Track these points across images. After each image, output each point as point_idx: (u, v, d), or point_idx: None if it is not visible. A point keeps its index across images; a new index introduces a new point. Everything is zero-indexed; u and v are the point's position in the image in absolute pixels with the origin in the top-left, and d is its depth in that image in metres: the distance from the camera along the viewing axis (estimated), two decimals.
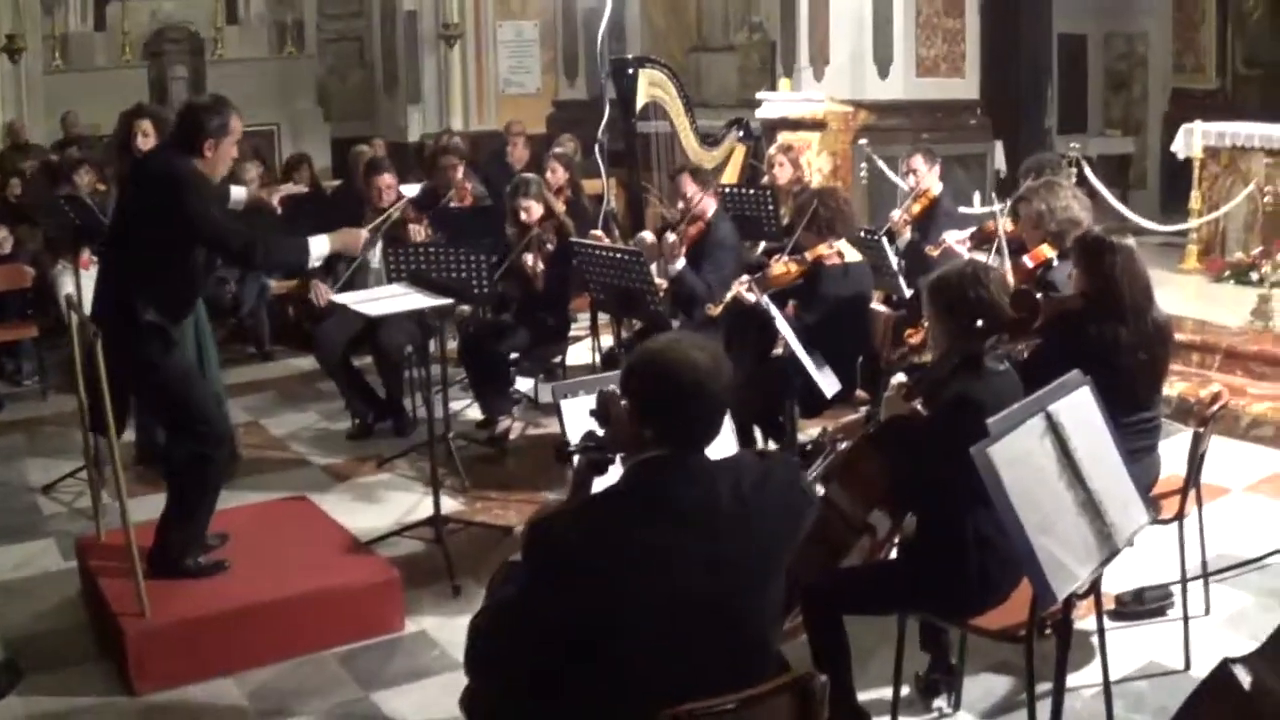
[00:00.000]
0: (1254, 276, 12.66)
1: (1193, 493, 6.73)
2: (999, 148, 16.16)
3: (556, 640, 3.80)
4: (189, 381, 7.01)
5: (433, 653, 6.69)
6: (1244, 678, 4.09)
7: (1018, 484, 4.29)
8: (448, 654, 6.59)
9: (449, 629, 6.80)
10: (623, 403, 4.06)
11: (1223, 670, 4.20)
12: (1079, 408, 4.79)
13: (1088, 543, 4.49)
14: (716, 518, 3.86)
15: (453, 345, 10.38)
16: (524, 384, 10.65)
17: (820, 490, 5.45)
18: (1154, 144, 19.20)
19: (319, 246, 7.13)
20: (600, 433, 4.22)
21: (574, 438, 4.46)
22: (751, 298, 8.46)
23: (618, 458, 4.18)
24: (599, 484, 4.24)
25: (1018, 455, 4.37)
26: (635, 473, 3.99)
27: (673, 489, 3.88)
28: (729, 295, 8.71)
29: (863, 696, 5.62)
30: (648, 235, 10.71)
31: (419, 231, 10.39)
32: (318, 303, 10.19)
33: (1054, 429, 4.58)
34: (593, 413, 4.24)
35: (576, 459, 4.28)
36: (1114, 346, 6.47)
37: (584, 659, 3.77)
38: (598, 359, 11.05)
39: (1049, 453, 4.53)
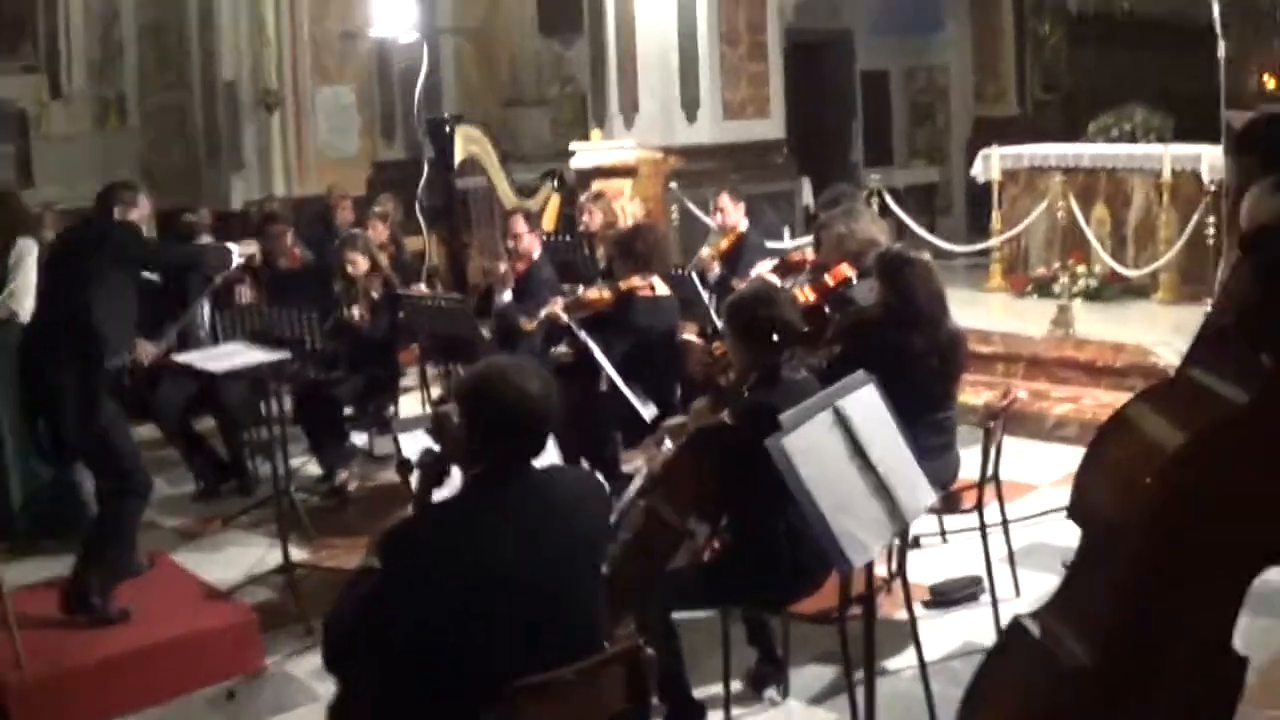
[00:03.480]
0: (1055, 289, 13.19)
1: (993, 486, 7.21)
2: (807, 184, 16.60)
3: (407, 632, 4.11)
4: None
5: (293, 687, 6.94)
6: (1033, 628, 4.49)
7: (811, 470, 4.69)
8: (306, 687, 6.86)
9: (306, 665, 7.05)
10: (457, 420, 4.42)
11: (1015, 626, 4.60)
12: (865, 403, 5.22)
13: (879, 519, 4.90)
14: (547, 519, 4.25)
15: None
16: (359, 437, 10.87)
17: (642, 502, 5.86)
18: (958, 171, 19.75)
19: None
20: (436, 448, 4.57)
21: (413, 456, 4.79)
22: (565, 319, 8.79)
23: (454, 470, 4.53)
24: (438, 495, 4.59)
25: (810, 445, 4.78)
26: (474, 482, 4.38)
27: (508, 495, 4.25)
28: (543, 313, 9.04)
29: (697, 693, 5.98)
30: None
31: (247, 294, 10.63)
32: (142, 362, 10.36)
33: (842, 421, 5.01)
34: (428, 430, 4.61)
35: (416, 472, 4.61)
36: (909, 352, 6.97)
37: (433, 650, 4.10)
38: (428, 409, 11.28)
39: (839, 442, 4.95)
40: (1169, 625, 4.22)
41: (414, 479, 4.67)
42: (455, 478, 4.55)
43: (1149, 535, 4.14)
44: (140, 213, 8.08)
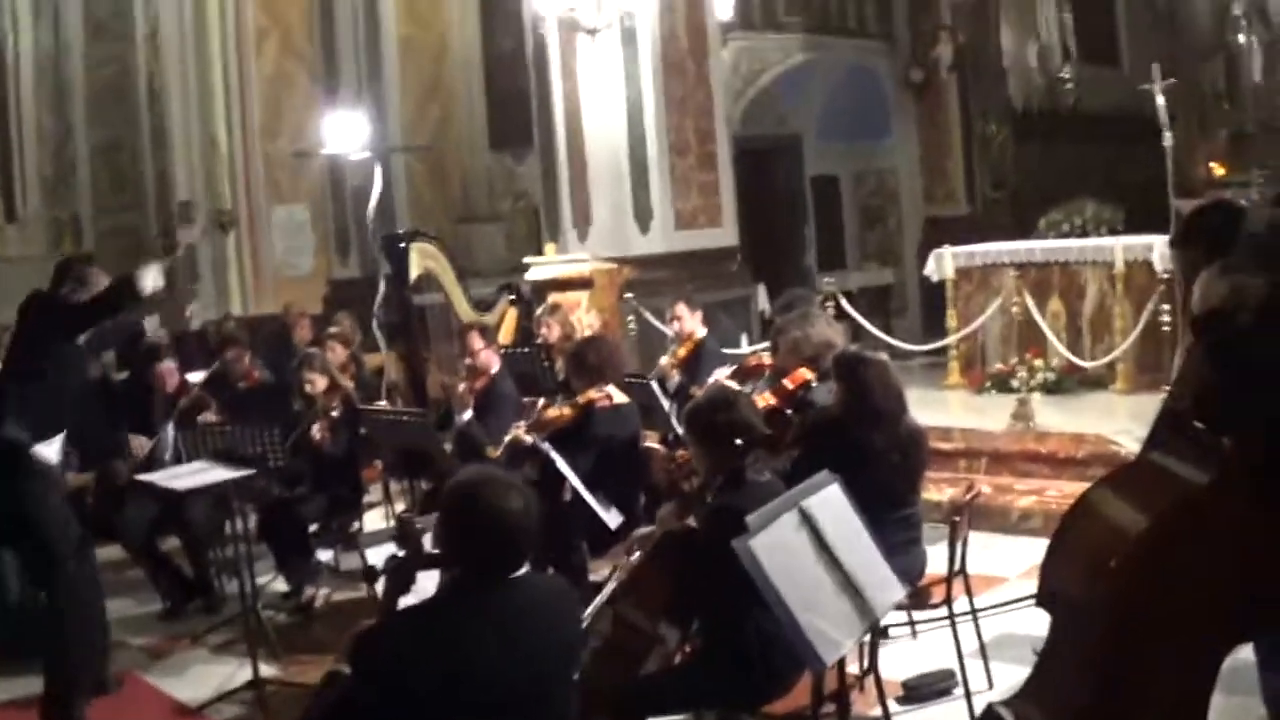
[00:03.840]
0: (1013, 384, 13.27)
1: (961, 580, 7.22)
2: (762, 290, 16.67)
3: None
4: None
5: None
6: (1007, 715, 4.50)
7: (779, 570, 4.72)
8: None
9: None
10: (434, 526, 4.44)
11: (990, 714, 4.61)
12: (830, 502, 5.26)
13: (849, 616, 4.92)
14: (523, 626, 4.24)
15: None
16: (324, 554, 10.83)
17: (612, 609, 5.85)
18: (911, 272, 19.89)
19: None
20: (401, 554, 4.56)
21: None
22: (529, 439, 8.80)
23: (420, 576, 4.52)
24: (404, 602, 4.56)
25: (776, 545, 4.81)
26: (450, 588, 4.42)
27: (484, 602, 4.25)
28: (507, 438, 9.05)
29: None
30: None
31: (209, 415, 10.64)
32: (119, 481, 10.34)
33: (808, 521, 5.04)
34: (394, 536, 4.61)
35: (382, 579, 4.60)
36: (870, 449, 7.02)
37: None
38: (392, 524, 11.25)
39: (805, 542, 4.98)
40: (1138, 705, 4.24)
41: (379, 586, 4.65)
42: (421, 585, 4.55)
43: (1115, 616, 4.18)
44: (90, 294, 8.10)
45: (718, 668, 5.76)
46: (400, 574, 4.54)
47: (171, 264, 9.18)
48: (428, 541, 4.57)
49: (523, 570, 4.42)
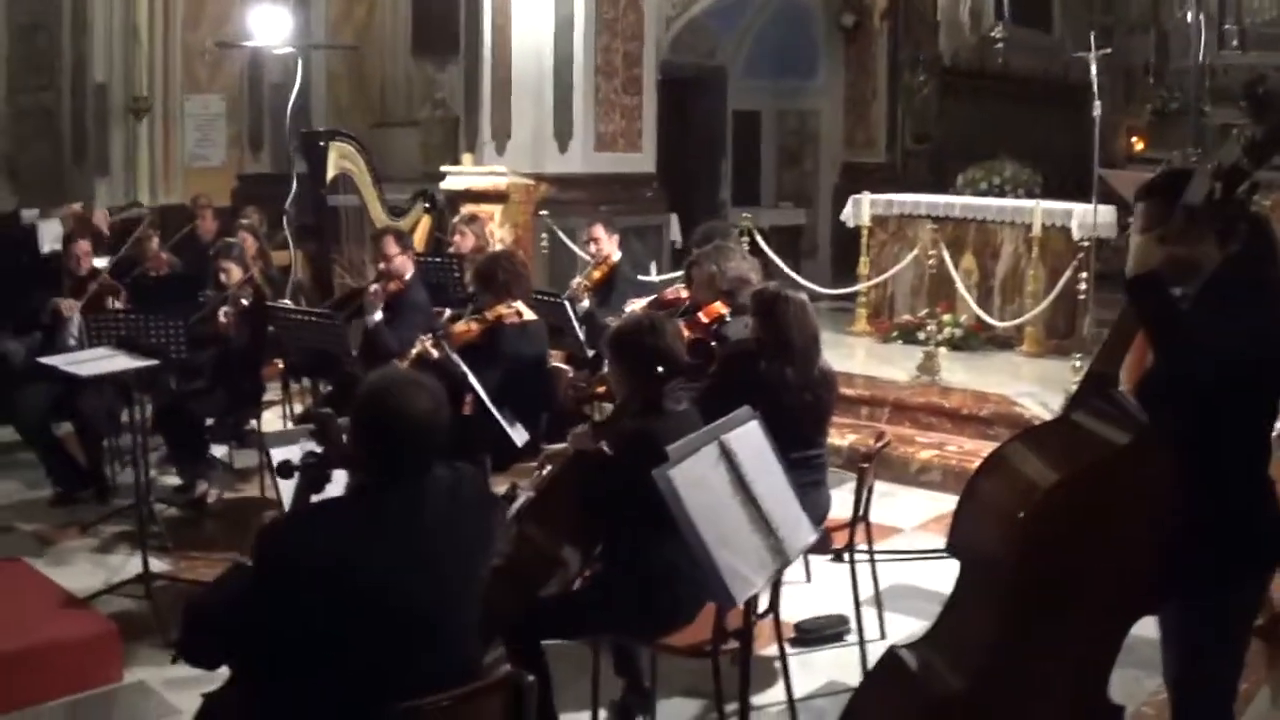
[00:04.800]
0: (920, 336, 13.30)
1: (862, 527, 7.22)
2: (674, 220, 16.64)
3: (273, 638, 4.01)
4: None
5: (151, 700, 6.78)
6: (910, 660, 4.48)
7: (697, 503, 4.63)
8: (165, 701, 6.70)
9: (163, 678, 6.88)
10: (343, 424, 4.34)
11: (891, 656, 4.60)
12: (749, 438, 5.18)
13: (761, 555, 4.85)
14: (425, 531, 4.16)
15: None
16: (219, 450, 10.69)
17: (516, 528, 5.77)
18: (825, 215, 19.99)
19: None
20: (319, 451, 4.45)
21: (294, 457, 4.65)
22: (436, 353, 8.68)
23: (335, 475, 4.42)
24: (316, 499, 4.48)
25: (695, 478, 4.72)
26: (356, 488, 4.31)
27: (388, 505, 4.16)
28: (414, 350, 8.93)
29: None
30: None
31: (116, 300, 10.46)
32: (14, 361, 10.15)
33: (727, 456, 4.96)
34: (312, 432, 4.50)
35: (297, 475, 4.49)
36: (782, 385, 6.98)
37: (299, 658, 3.99)
38: (290, 425, 11.12)
39: (723, 477, 4.90)
40: (1042, 661, 4.25)
41: (291, 482, 4.54)
42: (336, 483, 4.44)
43: (1022, 570, 4.18)
44: None
45: (619, 596, 5.71)
46: (315, 471, 4.44)
47: None
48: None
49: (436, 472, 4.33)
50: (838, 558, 7.84)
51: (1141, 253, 4.39)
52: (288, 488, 4.65)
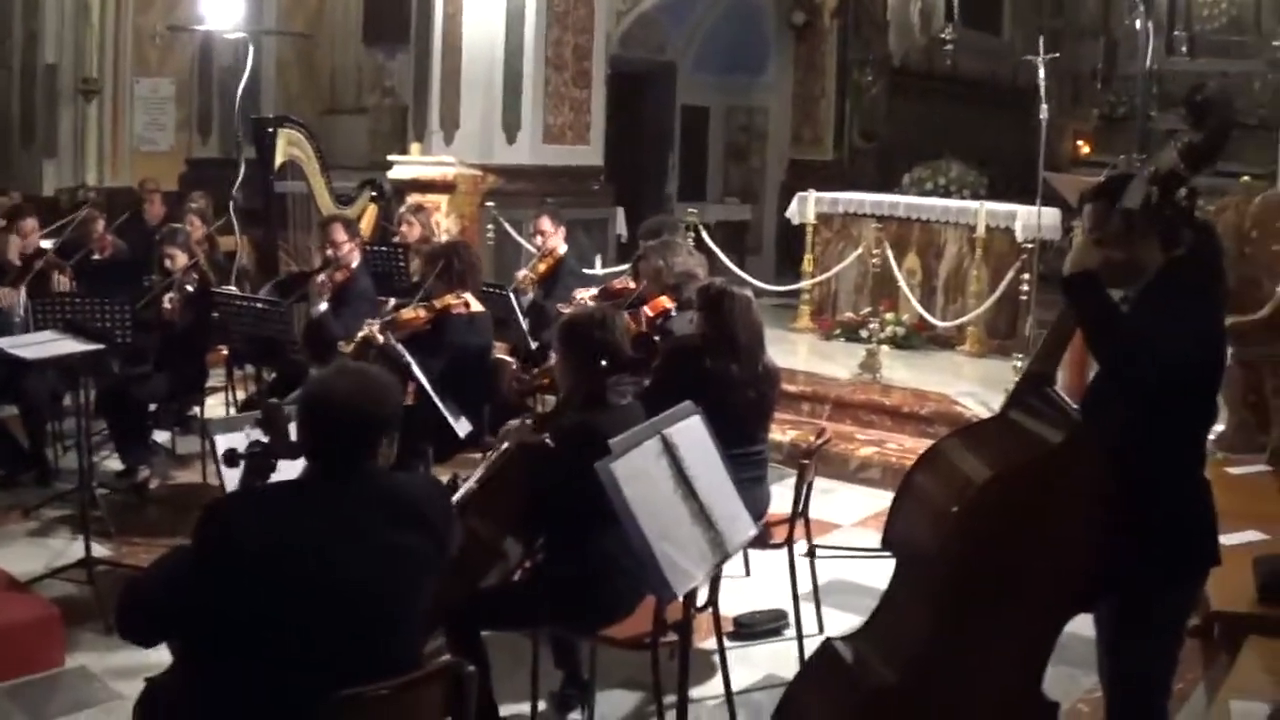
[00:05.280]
0: (863, 334, 13.39)
1: (801, 523, 7.28)
2: (621, 213, 16.67)
3: (211, 618, 4.03)
4: None
5: (93, 685, 6.78)
6: (845, 652, 4.53)
7: (637, 496, 4.68)
8: (107, 686, 6.71)
9: (105, 663, 6.91)
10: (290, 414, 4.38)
11: (827, 649, 4.65)
12: (691, 432, 5.23)
13: (701, 548, 4.90)
14: (373, 521, 4.17)
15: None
16: (161, 436, 10.66)
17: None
18: (770, 212, 20.11)
19: None
20: (265, 440, 4.48)
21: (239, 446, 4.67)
22: (381, 339, 8.68)
23: (277, 463, 4.45)
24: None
25: (637, 471, 4.77)
26: (305, 474, 4.32)
27: (331, 493, 4.18)
28: (360, 335, 8.92)
29: (503, 712, 5.95)
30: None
31: (62, 282, 10.43)
32: None
33: (669, 450, 5.01)
34: (258, 421, 4.53)
35: (242, 464, 4.51)
36: (727, 382, 7.04)
37: (237, 641, 4.01)
38: (233, 412, 11.09)
39: (665, 470, 4.95)
40: (975, 656, 4.30)
41: (236, 471, 4.56)
42: (281, 473, 4.47)
43: (955, 565, 4.23)
44: None
45: (559, 588, 5.75)
46: (259, 460, 4.46)
47: None
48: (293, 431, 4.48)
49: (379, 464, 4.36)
50: (779, 546, 7.90)
51: (1079, 254, 4.45)
52: (232, 476, 4.67)
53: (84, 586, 7.82)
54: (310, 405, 4.28)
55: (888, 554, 4.69)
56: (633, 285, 9.53)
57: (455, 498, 6.01)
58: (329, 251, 10.12)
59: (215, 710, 4.11)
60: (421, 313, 8.98)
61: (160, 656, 4.54)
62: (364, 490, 4.23)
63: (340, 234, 10.09)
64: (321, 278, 9.84)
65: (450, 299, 8.93)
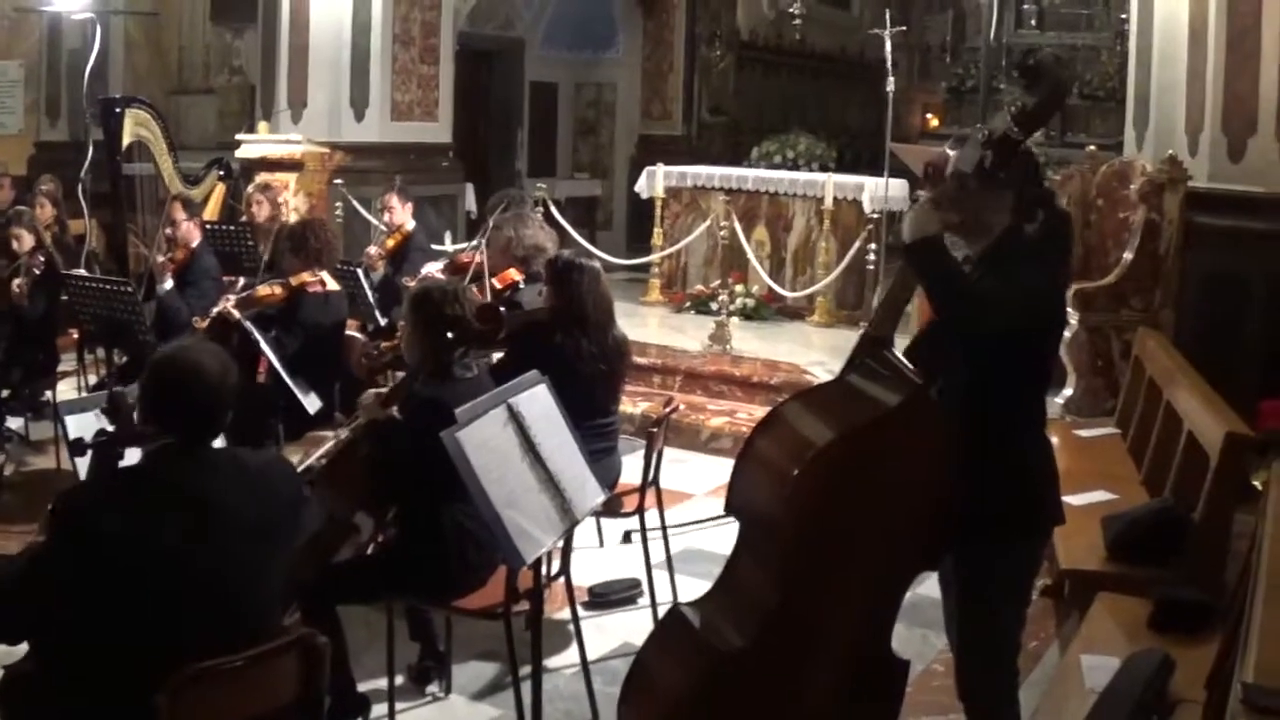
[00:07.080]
0: (713, 306, 13.50)
1: (652, 492, 7.36)
2: (470, 189, 16.63)
3: (70, 603, 4.06)
4: None
5: None
6: (693, 617, 4.60)
7: (484, 465, 4.75)
8: None
9: None
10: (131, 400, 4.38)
11: (675, 614, 4.72)
12: (537, 401, 5.32)
13: (550, 515, 4.99)
14: (220, 501, 4.20)
15: None
16: (13, 421, 10.54)
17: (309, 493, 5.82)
18: (621, 186, 20.12)
19: None
20: (111, 428, 4.48)
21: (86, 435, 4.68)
22: (236, 315, 8.65)
23: (124, 451, 4.46)
24: None
25: (484, 440, 4.84)
26: (149, 459, 4.36)
27: (181, 473, 4.22)
28: (214, 311, 8.87)
29: (361, 686, 5.99)
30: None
31: None
32: None
33: (515, 418, 5.10)
34: (104, 410, 4.53)
35: (90, 453, 4.52)
36: (576, 354, 7.12)
37: (93, 625, 4.04)
38: (86, 395, 10.97)
39: (511, 439, 5.03)
40: (818, 616, 4.37)
41: (86, 460, 4.58)
42: (130, 460, 4.48)
43: (796, 527, 4.29)
44: None
45: (411, 559, 5.81)
46: (106, 449, 4.47)
47: None
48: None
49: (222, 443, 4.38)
50: (627, 538, 8.11)
51: (919, 220, 4.53)
52: (84, 463, 4.69)
53: None
54: (159, 381, 4.30)
55: (730, 519, 4.74)
56: (480, 259, 9.54)
57: (304, 470, 6.06)
58: (168, 230, 10.07)
59: (75, 692, 4.13)
60: (278, 290, 8.93)
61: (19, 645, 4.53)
62: (215, 468, 4.27)
63: (179, 213, 10.10)
64: (163, 259, 9.79)
65: (306, 276, 8.89)
